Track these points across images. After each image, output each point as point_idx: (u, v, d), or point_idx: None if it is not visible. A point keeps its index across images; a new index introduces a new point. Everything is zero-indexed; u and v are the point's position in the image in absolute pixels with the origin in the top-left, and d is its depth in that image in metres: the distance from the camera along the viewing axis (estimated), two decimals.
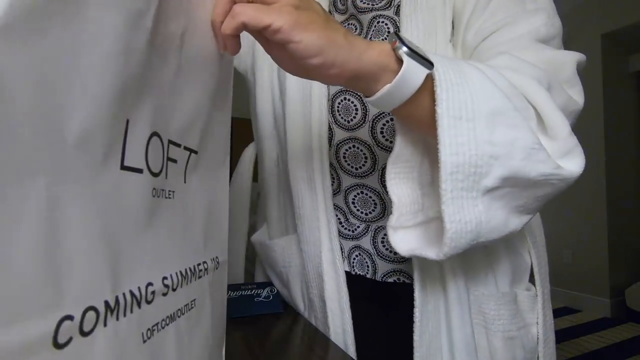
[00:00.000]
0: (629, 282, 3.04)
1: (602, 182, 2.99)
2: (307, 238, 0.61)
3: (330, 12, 0.65)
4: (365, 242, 0.60)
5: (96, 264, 0.17)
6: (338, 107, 0.59)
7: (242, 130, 3.45)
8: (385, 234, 0.59)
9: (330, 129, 0.60)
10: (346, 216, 0.62)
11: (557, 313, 3.05)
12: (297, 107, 0.61)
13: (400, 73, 0.36)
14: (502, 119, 0.37)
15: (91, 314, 0.16)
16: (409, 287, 0.54)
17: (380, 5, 0.60)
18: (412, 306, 0.52)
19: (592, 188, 3.01)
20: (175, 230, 0.28)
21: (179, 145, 0.28)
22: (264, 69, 0.69)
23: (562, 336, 2.61)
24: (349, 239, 0.61)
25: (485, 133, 0.36)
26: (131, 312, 0.21)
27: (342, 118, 0.59)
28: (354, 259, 0.61)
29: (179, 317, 0.28)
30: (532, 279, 0.59)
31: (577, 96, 0.47)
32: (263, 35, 0.34)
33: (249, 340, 0.57)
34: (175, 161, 0.27)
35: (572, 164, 0.40)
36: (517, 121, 0.37)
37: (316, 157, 0.59)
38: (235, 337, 0.57)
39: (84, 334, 0.16)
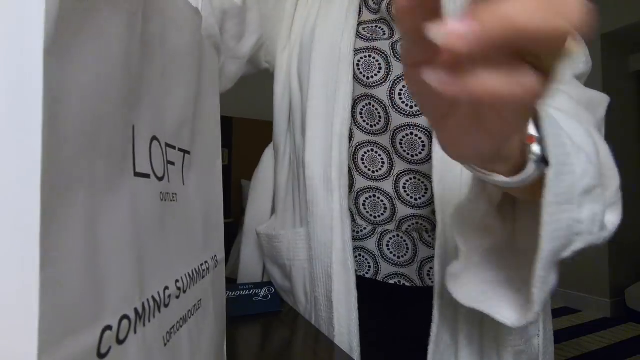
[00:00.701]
0: (629, 282, 3.05)
1: None
2: (318, 236, 0.61)
3: (360, 8, 0.65)
4: (370, 244, 0.61)
5: (127, 272, 0.18)
6: (361, 110, 0.60)
7: (242, 130, 3.46)
8: (390, 238, 0.60)
9: (349, 129, 0.60)
10: (353, 217, 0.62)
11: (557, 313, 3.06)
12: (321, 103, 0.61)
13: (520, 175, 0.32)
14: (590, 196, 0.36)
15: (125, 323, 0.17)
16: (408, 290, 0.56)
17: None
18: (414, 310, 0.53)
19: None
20: (181, 232, 0.28)
21: (174, 147, 0.28)
22: (283, 59, 0.68)
23: (562, 336, 2.62)
24: (353, 240, 0.61)
25: (576, 213, 0.35)
26: (154, 317, 0.22)
27: (364, 121, 0.60)
28: (356, 258, 0.61)
29: (189, 318, 0.29)
30: None
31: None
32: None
33: (249, 340, 0.57)
34: (173, 163, 0.28)
35: (614, 216, 0.42)
36: (599, 196, 0.37)
37: (335, 157, 0.59)
38: (235, 337, 0.58)
39: (119, 342, 0.16)
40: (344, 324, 0.58)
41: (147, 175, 0.22)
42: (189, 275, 0.29)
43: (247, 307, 0.67)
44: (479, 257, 0.42)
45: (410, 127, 0.57)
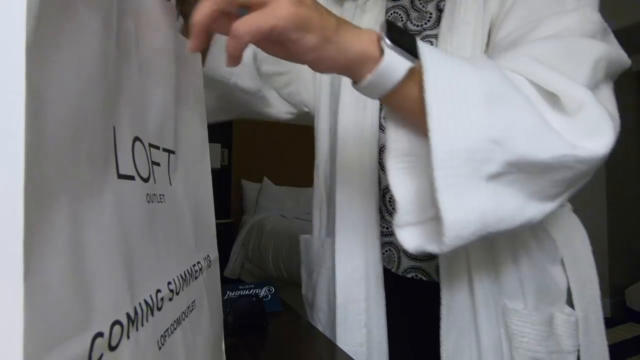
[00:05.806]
0: (628, 282, 3.04)
1: (602, 182, 2.99)
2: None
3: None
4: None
5: (117, 277, 0.18)
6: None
7: (242, 130, 3.45)
8: None
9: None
10: (382, 215, 0.63)
11: None
12: (351, 114, 0.63)
13: (379, 65, 0.35)
14: (500, 101, 0.35)
15: (117, 328, 0.17)
16: (427, 284, 0.56)
17: (429, 25, 0.63)
18: (434, 304, 0.53)
19: (592, 188, 3.01)
20: (171, 234, 0.28)
21: (158, 148, 0.28)
22: (323, 90, 0.71)
23: None
24: (383, 235, 0.63)
25: (480, 116, 0.34)
26: (147, 321, 0.21)
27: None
28: (384, 253, 0.62)
29: (183, 320, 0.29)
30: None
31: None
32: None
33: (248, 340, 0.57)
34: (158, 164, 0.27)
35: (595, 143, 0.38)
36: (518, 102, 0.35)
37: (366, 161, 0.62)
38: (234, 337, 0.58)
39: (112, 348, 0.16)
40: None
41: (131, 177, 0.22)
42: (182, 276, 0.29)
43: None
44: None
45: None
